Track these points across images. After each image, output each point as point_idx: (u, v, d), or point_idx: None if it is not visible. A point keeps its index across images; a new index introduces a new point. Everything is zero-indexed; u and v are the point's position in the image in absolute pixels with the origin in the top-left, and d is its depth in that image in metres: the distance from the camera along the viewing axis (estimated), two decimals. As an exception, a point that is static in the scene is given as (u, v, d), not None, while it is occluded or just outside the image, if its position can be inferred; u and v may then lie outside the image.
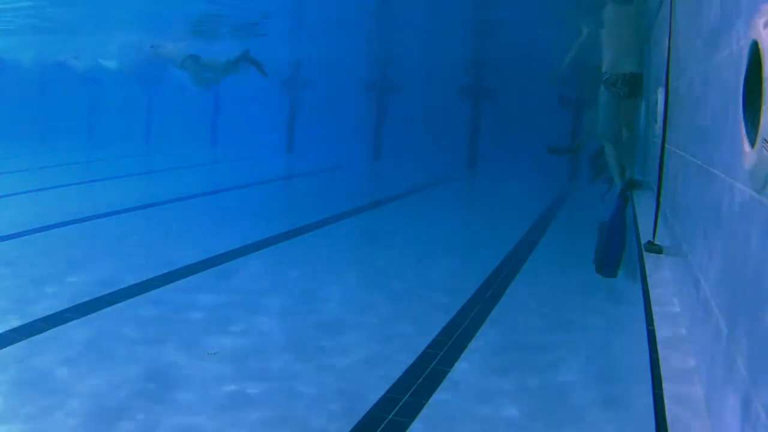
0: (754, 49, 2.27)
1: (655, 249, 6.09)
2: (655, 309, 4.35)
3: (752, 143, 2.24)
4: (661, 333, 3.83)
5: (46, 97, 21.07)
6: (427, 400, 3.36)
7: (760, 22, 2.22)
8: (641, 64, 8.91)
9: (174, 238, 7.20)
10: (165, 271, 5.57)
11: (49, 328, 4.16)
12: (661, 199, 6.46)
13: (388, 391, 3.45)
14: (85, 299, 4.75)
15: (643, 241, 6.35)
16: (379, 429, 3.07)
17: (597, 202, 9.03)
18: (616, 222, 8.30)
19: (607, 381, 3.73)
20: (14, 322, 4.22)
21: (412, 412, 3.23)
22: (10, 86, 20.50)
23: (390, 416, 3.18)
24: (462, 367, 3.82)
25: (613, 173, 9.86)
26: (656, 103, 7.30)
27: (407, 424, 3.09)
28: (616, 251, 7.37)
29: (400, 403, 3.31)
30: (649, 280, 4.76)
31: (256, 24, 13.59)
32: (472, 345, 4.09)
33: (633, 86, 8.76)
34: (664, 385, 2.80)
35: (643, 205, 8.17)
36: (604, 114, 9.60)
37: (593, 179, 10.89)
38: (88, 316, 4.45)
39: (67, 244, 6.70)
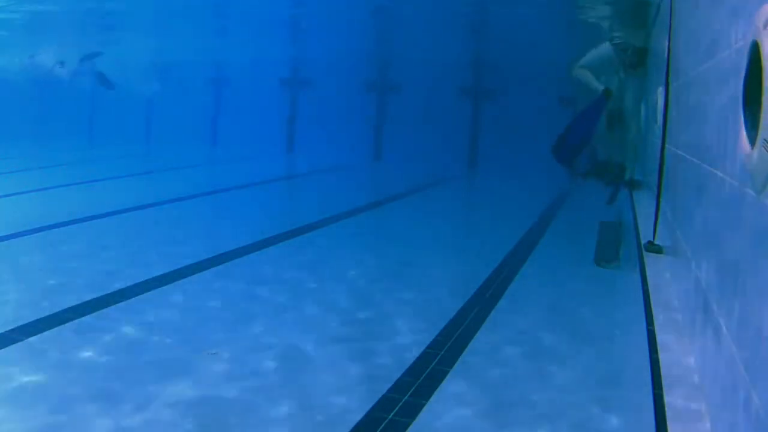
0: (754, 49, 2.28)
1: (655, 249, 6.09)
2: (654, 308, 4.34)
3: (752, 143, 2.24)
4: (660, 333, 3.83)
5: (45, 98, 21.07)
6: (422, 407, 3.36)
7: (760, 22, 2.22)
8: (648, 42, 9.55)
9: (174, 237, 7.20)
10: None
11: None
12: (661, 199, 6.46)
13: (388, 391, 3.45)
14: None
15: (643, 241, 6.36)
16: (380, 428, 3.07)
17: (594, 201, 9.04)
18: (590, 112, 8.79)
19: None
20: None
21: (414, 409, 3.23)
22: (10, 87, 20.55)
23: (390, 416, 3.18)
24: (458, 370, 3.83)
25: (591, 85, 10.32)
26: (656, 102, 7.30)
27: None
28: (576, 140, 7.78)
29: (395, 411, 3.31)
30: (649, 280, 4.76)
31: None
32: (465, 357, 4.08)
33: (641, 58, 9.46)
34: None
35: (643, 205, 8.18)
36: (594, 59, 10.16)
37: (585, 176, 10.94)
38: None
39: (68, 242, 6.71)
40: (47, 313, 4.41)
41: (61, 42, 17.64)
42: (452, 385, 3.56)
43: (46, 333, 4.08)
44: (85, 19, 14.71)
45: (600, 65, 10.36)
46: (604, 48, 10.16)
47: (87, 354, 3.78)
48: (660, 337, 4.02)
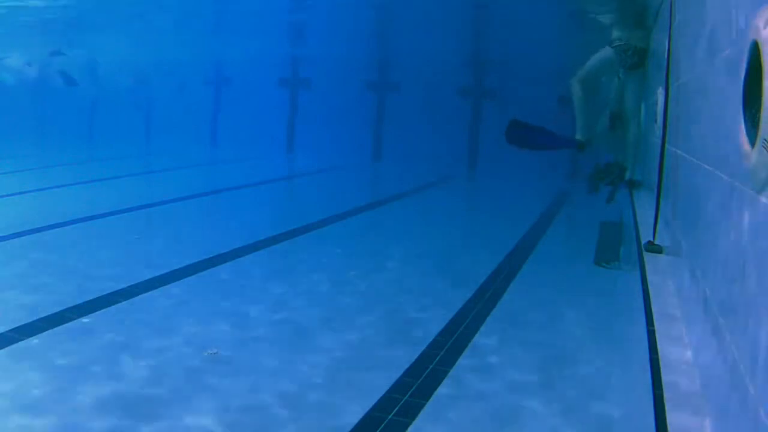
0: (754, 49, 2.28)
1: (655, 249, 6.09)
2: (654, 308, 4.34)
3: (752, 143, 2.24)
4: (660, 333, 3.83)
5: (45, 98, 21.05)
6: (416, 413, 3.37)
7: (760, 22, 2.22)
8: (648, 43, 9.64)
9: (175, 238, 7.20)
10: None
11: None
12: (661, 198, 6.46)
13: (388, 391, 3.46)
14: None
15: (643, 241, 6.36)
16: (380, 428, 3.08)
17: (594, 201, 9.03)
18: (559, 140, 9.26)
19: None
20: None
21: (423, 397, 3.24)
22: (11, 87, 20.55)
23: (391, 416, 3.19)
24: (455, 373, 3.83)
25: (577, 112, 10.51)
26: (656, 102, 7.30)
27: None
28: (539, 141, 8.44)
29: (397, 407, 3.31)
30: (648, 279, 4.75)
31: None
32: (464, 361, 4.08)
33: (641, 58, 9.59)
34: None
35: (643, 205, 8.17)
36: (595, 65, 10.27)
37: (592, 191, 10.97)
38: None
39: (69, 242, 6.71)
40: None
41: (50, 41, 17.72)
42: (445, 388, 3.58)
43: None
44: (82, 18, 14.68)
45: (601, 68, 10.43)
46: (605, 52, 10.23)
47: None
48: (660, 337, 4.02)
